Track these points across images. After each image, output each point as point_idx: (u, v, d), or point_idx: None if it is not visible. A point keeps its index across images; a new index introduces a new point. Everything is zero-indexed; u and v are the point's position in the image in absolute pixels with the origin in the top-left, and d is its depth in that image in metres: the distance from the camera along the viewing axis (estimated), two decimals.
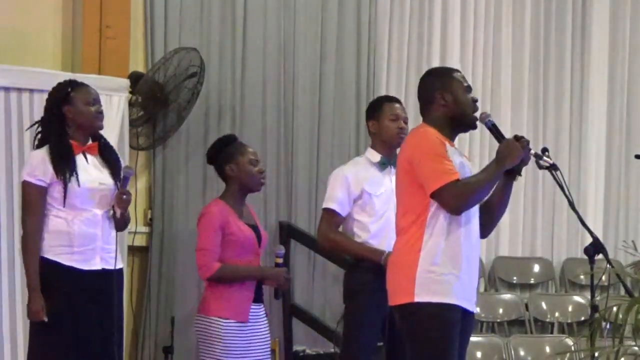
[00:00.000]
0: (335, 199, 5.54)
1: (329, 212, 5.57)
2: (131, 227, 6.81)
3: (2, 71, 6.23)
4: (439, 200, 4.31)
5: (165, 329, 6.95)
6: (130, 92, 6.79)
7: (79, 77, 6.30)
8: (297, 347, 7.38)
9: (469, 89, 4.50)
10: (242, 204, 5.63)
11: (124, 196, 4.96)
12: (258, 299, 5.56)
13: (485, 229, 4.54)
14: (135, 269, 7.06)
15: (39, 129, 5.06)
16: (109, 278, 4.95)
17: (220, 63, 7.35)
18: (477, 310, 4.57)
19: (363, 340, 5.48)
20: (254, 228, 5.59)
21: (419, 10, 8.12)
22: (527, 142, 4.41)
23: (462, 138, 8.05)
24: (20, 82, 6.24)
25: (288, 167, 7.55)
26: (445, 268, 4.31)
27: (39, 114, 6.18)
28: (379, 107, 5.64)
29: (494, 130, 4.48)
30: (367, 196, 5.50)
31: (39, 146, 5.01)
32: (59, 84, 5.11)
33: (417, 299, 4.31)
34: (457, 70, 4.61)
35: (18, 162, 6.21)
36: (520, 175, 4.48)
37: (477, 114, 4.52)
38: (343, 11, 7.76)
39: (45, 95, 6.22)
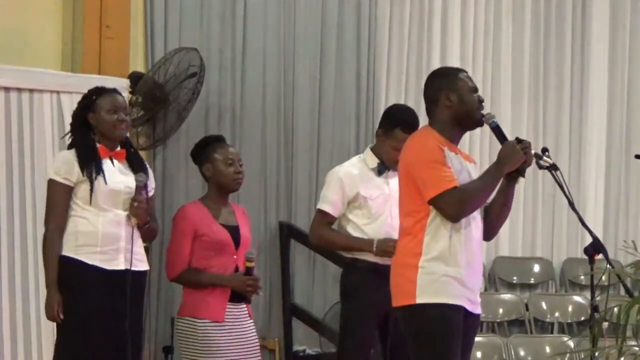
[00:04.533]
0: (329, 200, 5.57)
1: (322, 212, 5.60)
2: None
3: (2, 71, 6.22)
4: (436, 207, 4.33)
5: (165, 329, 6.95)
6: (130, 92, 6.78)
7: (80, 77, 6.32)
8: (297, 347, 7.38)
9: (474, 89, 4.50)
10: (223, 204, 5.61)
11: (135, 203, 4.97)
12: (238, 298, 5.54)
13: (489, 231, 4.55)
14: None
15: (70, 136, 5.11)
16: (133, 279, 4.96)
17: (220, 63, 7.35)
18: (478, 311, 4.51)
19: (359, 339, 5.48)
20: (233, 229, 5.58)
21: (419, 11, 8.12)
22: (529, 144, 4.40)
23: (462, 139, 8.05)
24: (20, 82, 6.23)
25: (288, 167, 7.55)
26: (446, 269, 4.32)
27: (39, 114, 6.23)
28: (391, 128, 5.53)
29: (497, 131, 4.48)
30: (362, 199, 5.51)
31: (68, 149, 5.05)
32: (88, 90, 5.15)
33: (418, 301, 4.32)
34: (463, 71, 4.61)
35: (18, 162, 6.20)
36: (523, 177, 4.47)
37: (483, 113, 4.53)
38: (343, 12, 7.76)
39: (45, 95, 6.22)
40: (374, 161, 5.58)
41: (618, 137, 8.68)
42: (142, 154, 7.05)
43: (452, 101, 4.45)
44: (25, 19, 6.80)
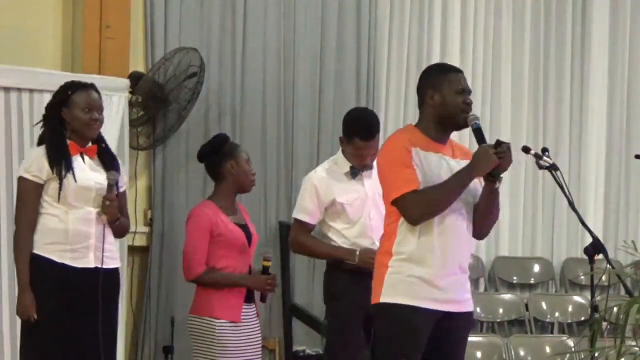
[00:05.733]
0: (305, 209, 5.55)
1: (299, 222, 5.57)
2: (131, 227, 6.82)
3: (2, 71, 6.22)
4: (398, 209, 4.33)
5: (165, 329, 6.95)
6: (130, 92, 6.79)
7: (80, 77, 6.31)
8: (297, 347, 7.38)
9: (461, 90, 4.40)
10: (233, 203, 5.65)
11: (107, 202, 4.94)
12: (249, 299, 5.57)
13: (478, 231, 4.49)
14: (135, 269, 7.06)
15: (41, 128, 5.08)
16: (104, 277, 4.92)
17: (220, 63, 7.35)
18: (464, 309, 4.44)
19: (346, 341, 5.47)
20: (244, 228, 5.60)
21: (419, 10, 8.12)
22: (507, 148, 4.31)
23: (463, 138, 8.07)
24: (20, 82, 6.24)
25: (288, 167, 7.55)
26: (414, 270, 4.30)
27: (39, 114, 6.18)
28: (350, 136, 5.53)
29: (478, 134, 4.38)
30: (339, 205, 5.49)
31: (38, 144, 5.04)
32: (64, 84, 5.12)
33: (382, 300, 4.33)
34: (456, 70, 4.52)
35: (18, 161, 6.19)
36: (498, 181, 4.35)
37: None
38: (343, 11, 7.76)
39: (45, 95, 6.21)
40: (346, 165, 5.55)
41: (618, 137, 8.67)
42: (142, 154, 7.08)
43: (435, 101, 4.40)
44: (25, 19, 6.80)
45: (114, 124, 6.48)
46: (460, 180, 4.31)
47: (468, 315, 4.48)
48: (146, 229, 7.12)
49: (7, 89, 6.22)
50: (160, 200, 7.14)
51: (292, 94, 7.57)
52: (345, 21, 7.76)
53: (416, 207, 4.28)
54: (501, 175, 4.35)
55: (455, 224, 4.36)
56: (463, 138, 8.11)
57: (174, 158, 7.20)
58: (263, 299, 5.67)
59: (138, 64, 7.12)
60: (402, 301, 4.29)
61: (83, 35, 6.90)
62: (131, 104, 6.84)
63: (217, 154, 5.66)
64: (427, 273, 4.29)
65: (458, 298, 4.39)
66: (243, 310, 5.52)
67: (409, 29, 8.09)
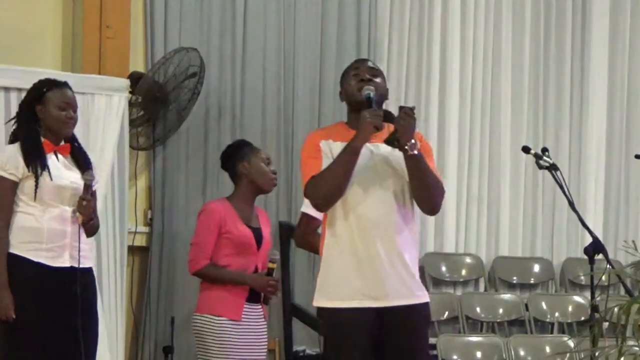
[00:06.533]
0: None
1: (306, 216, 5.58)
2: (131, 227, 6.84)
3: (2, 71, 6.22)
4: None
5: (165, 329, 6.95)
6: (130, 92, 6.78)
7: (80, 77, 6.32)
8: (297, 347, 7.38)
9: (357, 72, 4.39)
10: (250, 205, 5.68)
11: (84, 202, 4.94)
12: (254, 298, 5.58)
13: (423, 207, 4.29)
14: (135, 269, 7.05)
15: (15, 125, 5.08)
16: (78, 276, 4.91)
17: (220, 63, 7.35)
18: (408, 302, 4.22)
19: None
20: (256, 230, 5.62)
21: (419, 10, 8.12)
22: (405, 112, 4.15)
23: (461, 142, 8.07)
24: (20, 82, 6.21)
25: (288, 167, 7.55)
26: (338, 268, 4.22)
27: None
28: None
29: (368, 104, 4.26)
30: None
31: (12, 142, 5.03)
32: (38, 81, 5.12)
33: (314, 304, 4.31)
34: (355, 62, 4.55)
35: None
36: (404, 146, 4.12)
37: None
38: (343, 11, 7.76)
39: None
40: None
41: (618, 137, 8.68)
42: (142, 154, 7.08)
43: (343, 95, 4.45)
44: (25, 19, 6.80)
45: (114, 124, 6.47)
46: (345, 154, 4.18)
47: (419, 307, 4.26)
48: (146, 229, 7.12)
49: (7, 89, 6.22)
50: (160, 201, 7.13)
51: (292, 94, 7.57)
52: (345, 21, 7.76)
53: (313, 191, 4.21)
54: (413, 141, 4.12)
55: (374, 213, 4.22)
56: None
57: (174, 158, 7.19)
58: (265, 300, 5.67)
59: (138, 64, 7.12)
60: (330, 304, 4.23)
61: (83, 35, 6.89)
62: (131, 104, 6.83)
63: (233, 157, 5.74)
64: (351, 269, 4.19)
65: (395, 292, 4.20)
66: (246, 309, 5.52)
67: (409, 29, 8.09)
